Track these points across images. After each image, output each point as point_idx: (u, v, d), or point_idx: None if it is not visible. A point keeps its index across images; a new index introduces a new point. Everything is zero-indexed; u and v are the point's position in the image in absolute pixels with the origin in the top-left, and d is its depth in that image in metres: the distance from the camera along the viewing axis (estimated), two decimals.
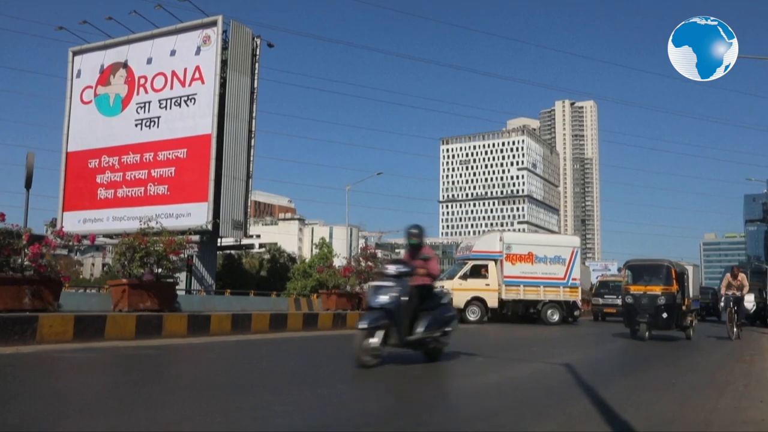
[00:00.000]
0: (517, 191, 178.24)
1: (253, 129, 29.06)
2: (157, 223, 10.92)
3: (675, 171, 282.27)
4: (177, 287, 11.78)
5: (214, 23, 27.98)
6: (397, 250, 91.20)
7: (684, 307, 13.34)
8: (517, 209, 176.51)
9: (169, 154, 27.83)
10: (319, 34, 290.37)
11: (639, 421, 4.34)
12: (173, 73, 28.45)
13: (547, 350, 10.51)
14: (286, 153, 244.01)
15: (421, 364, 6.94)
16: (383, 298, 6.44)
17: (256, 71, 29.26)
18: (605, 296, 24.99)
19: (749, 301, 20.75)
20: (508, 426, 4.24)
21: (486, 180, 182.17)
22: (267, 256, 60.12)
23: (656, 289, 12.73)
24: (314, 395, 5.00)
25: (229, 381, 5.80)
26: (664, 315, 12.44)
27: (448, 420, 4.35)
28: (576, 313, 21.99)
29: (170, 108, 28.32)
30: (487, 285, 20.21)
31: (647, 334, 12.56)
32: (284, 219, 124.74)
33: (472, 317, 19.74)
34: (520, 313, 20.91)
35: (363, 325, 6.31)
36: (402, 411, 4.62)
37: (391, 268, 6.74)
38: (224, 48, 27.95)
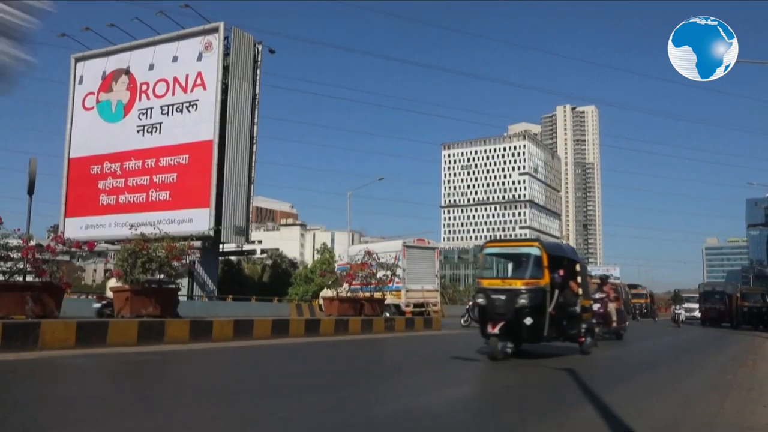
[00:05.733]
0: (519, 196, 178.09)
1: (255, 135, 29.09)
2: (155, 228, 10.95)
3: (677, 175, 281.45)
4: (179, 293, 11.79)
5: (215, 30, 28.08)
6: None
7: (575, 309, 9.69)
8: (519, 214, 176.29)
9: (171, 160, 27.88)
10: (321, 39, 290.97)
11: (642, 425, 4.33)
12: (175, 80, 28.53)
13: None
14: (288, 158, 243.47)
15: (426, 371, 6.93)
16: None
17: (258, 77, 29.33)
18: None
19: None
20: (510, 428, 4.24)
21: (487, 185, 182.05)
22: (269, 262, 60.12)
23: (517, 284, 8.96)
24: (317, 400, 5.00)
25: (231, 387, 5.80)
26: (528, 321, 8.49)
27: (451, 423, 4.34)
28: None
29: (172, 114, 28.38)
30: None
31: (501, 349, 8.49)
32: (286, 224, 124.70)
33: None
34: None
35: None
36: (406, 416, 4.61)
37: None
38: (226, 54, 28.03)
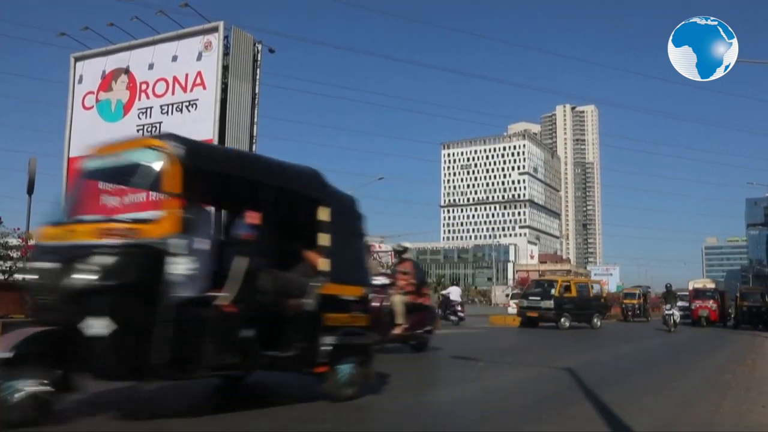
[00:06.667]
0: (519, 196, 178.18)
1: (255, 134, 29.02)
2: None
3: (676, 175, 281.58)
4: None
5: (215, 29, 28.00)
6: None
7: (305, 305, 4.60)
8: (519, 214, 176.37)
9: None
10: (320, 39, 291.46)
11: (641, 424, 4.34)
12: (175, 79, 28.48)
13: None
14: (287, 158, 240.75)
15: (426, 368, 6.93)
16: None
17: (258, 77, 29.27)
18: (529, 297, 20.45)
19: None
20: (510, 427, 4.24)
21: (487, 184, 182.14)
22: None
23: (86, 234, 3.94)
24: (316, 396, 5.00)
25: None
26: (97, 326, 3.51)
27: (452, 423, 4.34)
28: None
29: (172, 113, 28.32)
30: None
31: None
32: None
33: None
34: None
35: None
36: (406, 413, 4.61)
37: None
38: (225, 54, 27.96)
